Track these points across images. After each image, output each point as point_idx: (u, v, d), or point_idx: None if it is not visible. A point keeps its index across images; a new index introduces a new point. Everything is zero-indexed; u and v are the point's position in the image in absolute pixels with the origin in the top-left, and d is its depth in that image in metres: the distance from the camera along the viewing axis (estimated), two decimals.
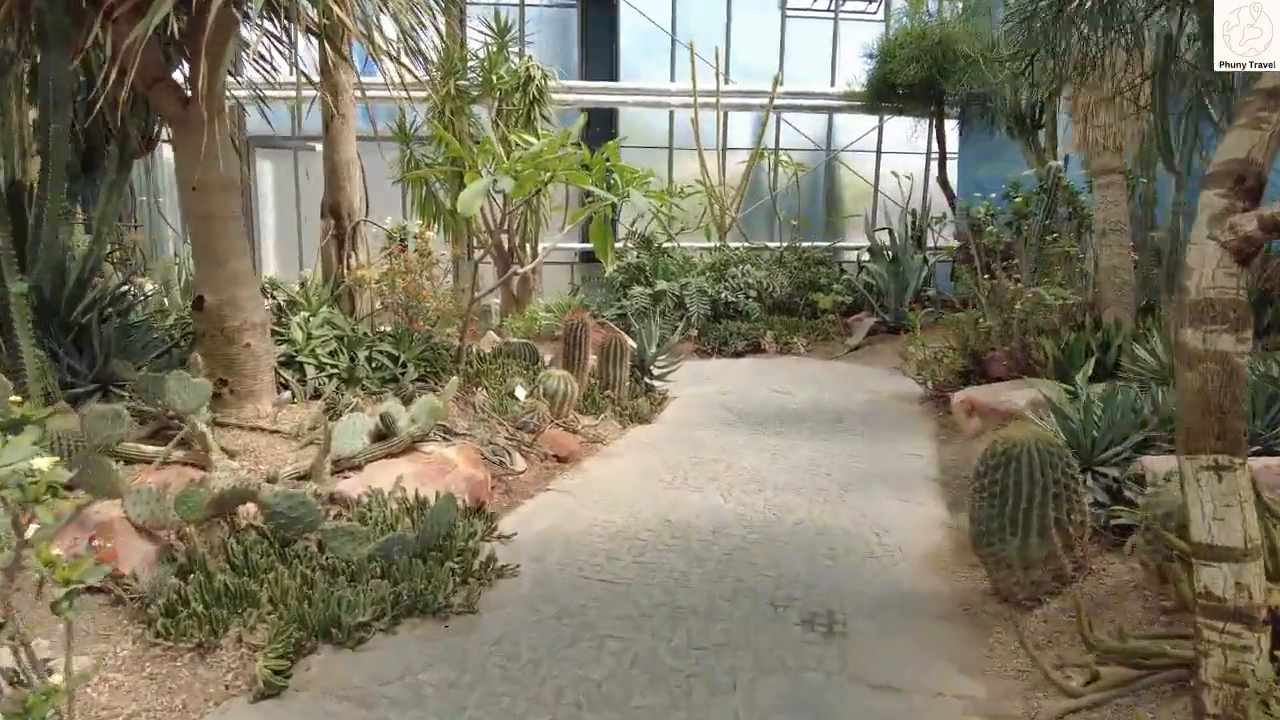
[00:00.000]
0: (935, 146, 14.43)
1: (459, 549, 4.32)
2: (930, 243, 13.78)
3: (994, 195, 8.26)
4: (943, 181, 14.33)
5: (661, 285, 11.64)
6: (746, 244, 13.73)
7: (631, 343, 8.38)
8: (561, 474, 6.24)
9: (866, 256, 13.13)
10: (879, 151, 15.78)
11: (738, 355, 11.83)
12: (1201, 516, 2.49)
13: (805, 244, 13.76)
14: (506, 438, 6.24)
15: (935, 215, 13.65)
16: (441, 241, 10.74)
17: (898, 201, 14.58)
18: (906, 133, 15.14)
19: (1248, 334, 2.39)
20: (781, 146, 15.31)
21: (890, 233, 12.47)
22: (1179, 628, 3.16)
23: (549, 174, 6.74)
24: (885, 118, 15.33)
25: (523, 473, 5.96)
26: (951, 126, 14.52)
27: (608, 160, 7.04)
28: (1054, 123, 10.43)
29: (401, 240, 8.55)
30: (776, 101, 14.22)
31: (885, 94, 13.69)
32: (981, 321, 8.04)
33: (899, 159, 15.43)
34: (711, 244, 13.63)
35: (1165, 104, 6.40)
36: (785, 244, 13.64)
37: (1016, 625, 3.68)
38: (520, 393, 6.90)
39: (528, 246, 11.48)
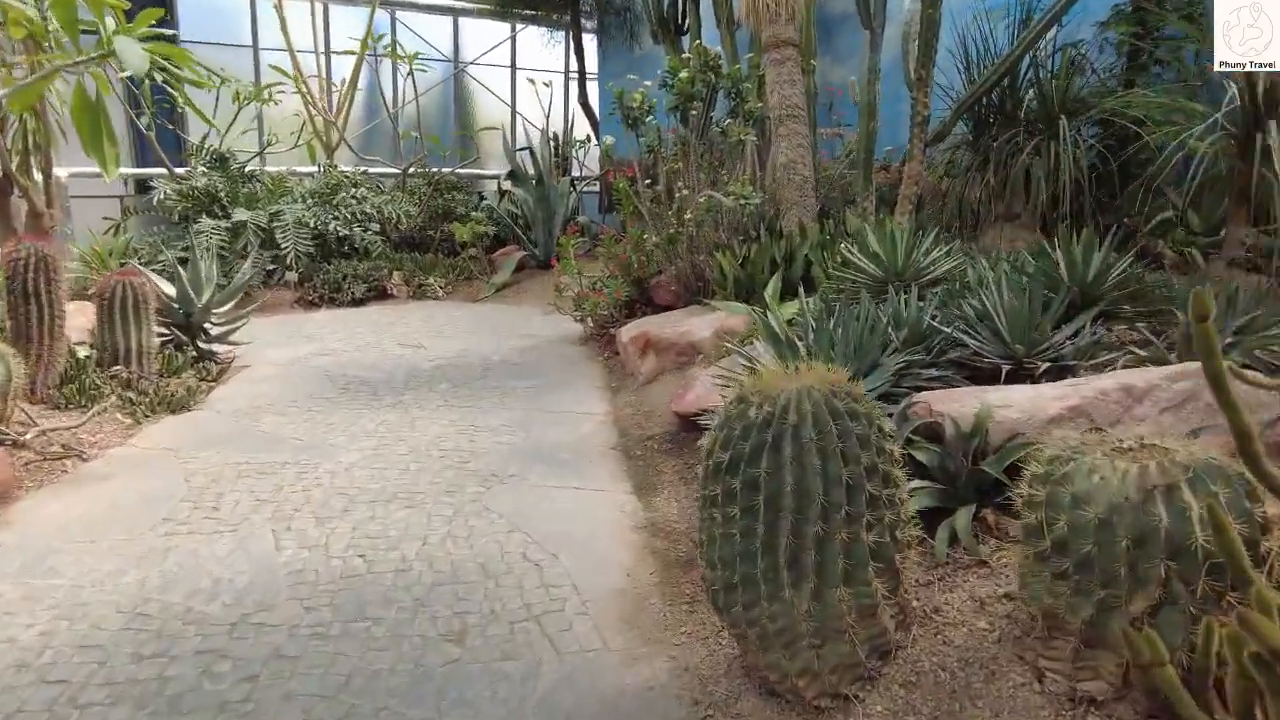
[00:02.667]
0: (575, 64, 12.87)
1: None
2: (575, 171, 12.28)
3: (649, 84, 6.74)
4: (583, 102, 12.85)
5: (242, 215, 8.71)
6: (364, 169, 11.12)
7: (167, 288, 5.63)
8: None
9: (508, 183, 11.23)
10: (514, 66, 13.87)
11: (357, 303, 9.37)
12: None
13: (437, 170, 11.49)
14: None
15: (579, 139, 12.14)
16: None
17: (538, 125, 12.86)
18: (543, 43, 13.42)
19: None
20: (406, 57, 12.75)
21: (532, 153, 10.66)
22: None
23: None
24: (518, 26, 13.45)
25: None
26: (592, 42, 13.07)
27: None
28: (698, 20, 9.22)
29: None
30: None
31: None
32: (644, 239, 6.50)
33: (537, 77, 13.68)
34: (315, 168, 10.82)
35: None
36: (412, 165, 11.24)
37: None
38: None
39: (38, 167, 7.85)
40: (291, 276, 9.26)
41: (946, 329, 3.74)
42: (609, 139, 7.45)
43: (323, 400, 5.64)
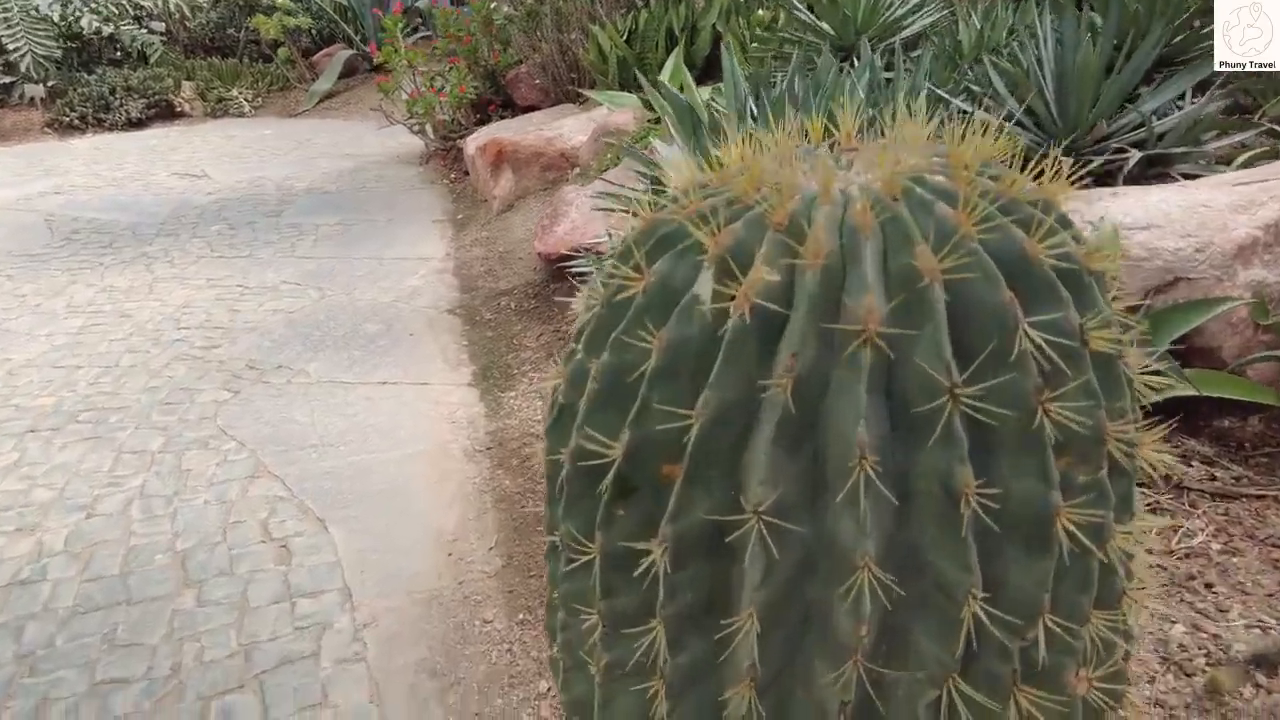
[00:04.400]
0: None
1: None
2: None
3: None
4: None
5: None
6: None
7: None
8: None
9: None
10: None
11: (134, 125, 7.20)
12: None
13: None
14: None
15: None
16: None
17: None
18: None
19: None
20: None
21: None
22: None
23: None
24: None
25: None
26: None
27: None
28: None
29: None
30: None
31: None
32: (495, 11, 4.69)
33: None
34: None
35: None
36: None
37: None
38: None
39: None
40: (36, 91, 6.94)
41: (956, 99, 2.30)
42: None
43: (25, 259, 3.84)
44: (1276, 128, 2.10)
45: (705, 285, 0.59)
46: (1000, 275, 0.56)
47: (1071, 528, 0.57)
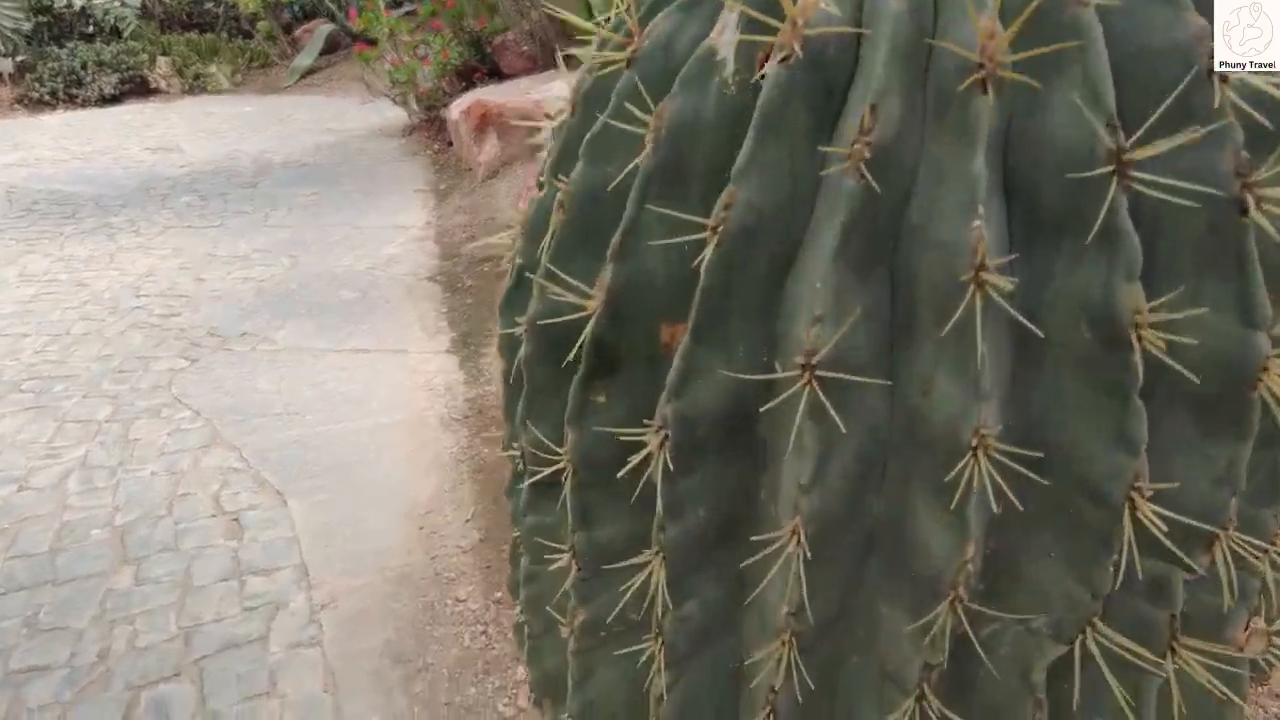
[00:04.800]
0: None
1: None
2: None
3: None
4: None
5: None
6: None
7: None
8: None
9: None
10: None
11: (108, 101, 6.94)
12: None
13: None
14: None
15: None
16: None
17: None
18: None
19: None
20: None
21: None
22: None
23: None
24: None
25: None
26: None
27: None
28: None
29: None
30: None
31: None
32: None
33: None
34: None
35: None
36: None
37: None
38: None
39: None
40: (4, 66, 6.69)
41: None
42: None
43: None
44: None
45: (728, 34, 0.39)
46: None
47: (1277, 392, 0.37)
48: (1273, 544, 0.44)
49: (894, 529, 0.42)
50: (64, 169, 4.70)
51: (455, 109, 4.22)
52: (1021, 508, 0.39)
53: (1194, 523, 0.38)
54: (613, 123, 0.40)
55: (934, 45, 0.35)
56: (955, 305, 0.35)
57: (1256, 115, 0.36)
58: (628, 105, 0.40)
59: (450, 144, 4.62)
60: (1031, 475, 0.37)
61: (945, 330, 0.36)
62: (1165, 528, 0.37)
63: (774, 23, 0.36)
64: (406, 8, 7.56)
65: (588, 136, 0.42)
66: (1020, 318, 0.35)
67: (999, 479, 0.36)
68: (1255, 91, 0.36)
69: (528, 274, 0.50)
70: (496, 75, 5.12)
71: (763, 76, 0.36)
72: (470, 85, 5.06)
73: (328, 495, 1.80)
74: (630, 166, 0.40)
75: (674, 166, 0.39)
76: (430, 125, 5.12)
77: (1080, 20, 0.35)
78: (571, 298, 0.42)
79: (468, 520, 1.72)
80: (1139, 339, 0.35)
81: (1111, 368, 0.36)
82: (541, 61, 4.93)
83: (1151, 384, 0.38)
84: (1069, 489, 0.39)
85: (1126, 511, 0.37)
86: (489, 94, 4.21)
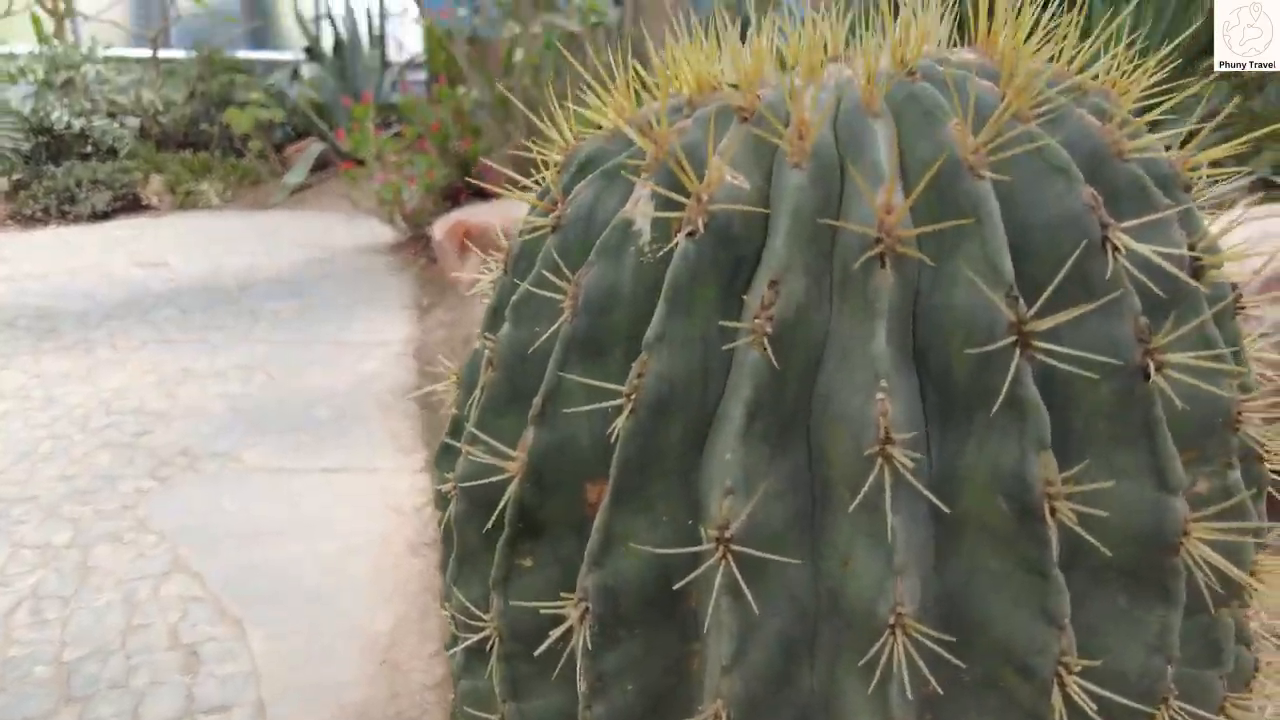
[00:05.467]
0: None
1: None
2: (394, 54, 10.08)
3: None
4: None
5: None
6: (112, 49, 8.55)
7: None
8: None
9: (306, 64, 8.96)
10: None
11: (99, 218, 7.08)
12: None
13: (224, 52, 9.01)
14: None
15: (398, 13, 9.92)
16: None
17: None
18: None
19: None
20: None
21: (331, 21, 8.44)
22: None
23: None
24: None
25: None
26: None
27: None
28: None
29: None
30: None
31: None
32: (465, 98, 4.67)
33: None
34: (48, 49, 8.21)
35: None
36: (157, 35, 8.76)
37: None
38: None
39: None
40: None
41: None
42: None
43: None
44: (1272, 178, 1.99)
45: (642, 205, 0.40)
46: (1075, 165, 0.38)
47: (1205, 554, 0.37)
48: (1222, 710, 0.42)
49: (825, 709, 0.40)
50: (49, 284, 4.74)
51: (439, 227, 4.33)
52: (950, 685, 0.38)
53: (1130, 702, 0.37)
54: (535, 290, 0.41)
55: (834, 220, 0.37)
56: (864, 479, 0.35)
57: (1149, 283, 0.37)
58: (545, 274, 0.41)
59: (435, 260, 4.72)
60: (953, 655, 0.36)
61: (855, 504, 0.35)
62: (1094, 705, 0.35)
63: (681, 199, 0.37)
64: (395, 129, 7.88)
65: (513, 300, 0.43)
66: (927, 493, 0.35)
67: (918, 658, 0.35)
68: (1144, 260, 0.37)
69: (463, 424, 0.50)
70: (480, 195, 5.28)
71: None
72: (455, 204, 5.21)
73: (290, 625, 1.74)
74: (552, 329, 0.40)
75: (592, 334, 0.40)
76: (415, 242, 5.23)
77: (976, 193, 0.36)
78: (494, 460, 0.42)
79: (433, 654, 1.66)
80: (1052, 511, 0.35)
81: (1028, 541, 0.36)
82: (525, 181, 5.12)
83: (1076, 554, 0.38)
84: (997, 663, 0.38)
85: (1056, 688, 0.36)
86: (472, 213, 4.33)
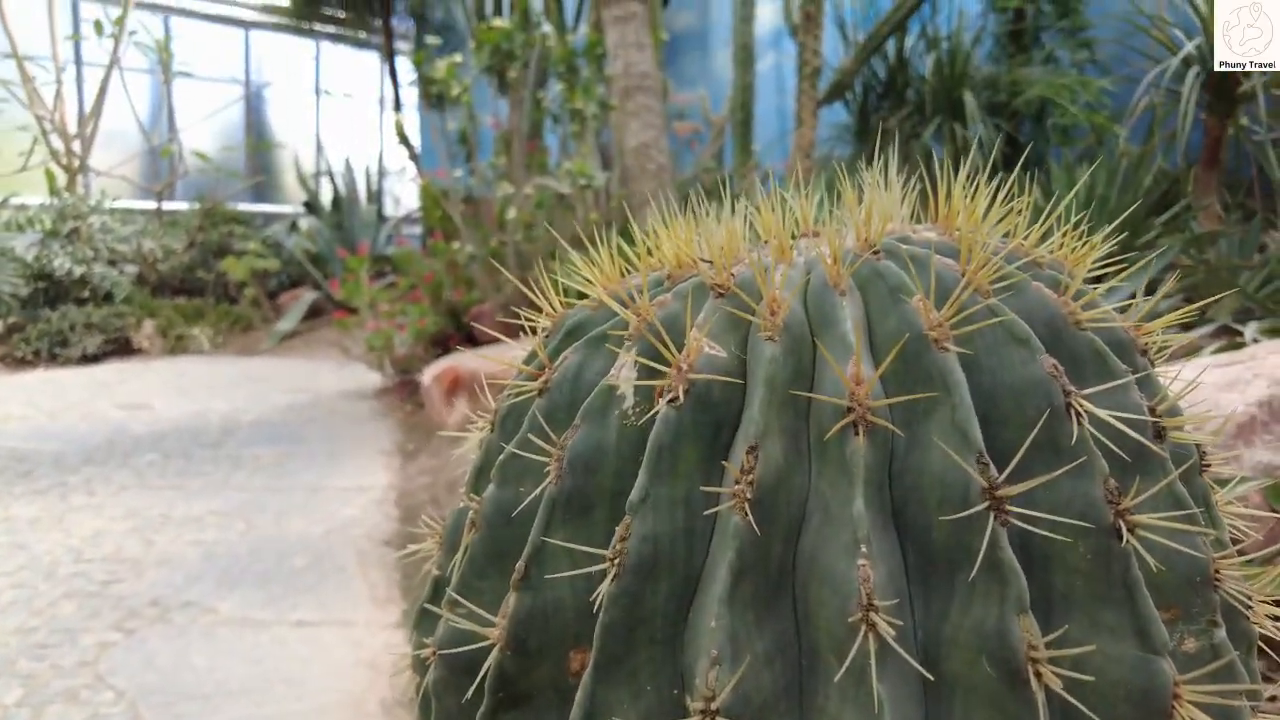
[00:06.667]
0: (390, 87, 11.24)
1: None
2: (391, 209, 10.58)
3: (460, 58, 5.18)
4: (400, 133, 11.21)
5: None
6: (120, 201, 8.89)
7: None
8: None
9: (303, 211, 9.34)
10: (318, 90, 12.10)
11: (89, 361, 7.15)
12: None
13: (226, 205, 9.38)
14: None
15: (395, 170, 10.50)
16: None
17: (348, 157, 11.19)
18: (352, 67, 11.83)
19: None
20: (181, 70, 10.65)
21: (331, 176, 8.86)
22: None
23: None
24: (322, 42, 11.79)
25: None
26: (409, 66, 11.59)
27: None
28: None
29: None
30: None
31: (316, 7, 10.22)
32: (459, 252, 4.84)
33: (347, 102, 12.07)
34: (59, 200, 8.52)
35: None
36: (163, 189, 9.12)
37: None
38: None
39: None
40: None
41: None
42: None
43: None
44: (1232, 325, 2.08)
45: (626, 372, 0.42)
46: (1035, 337, 0.40)
47: (1197, 717, 0.36)
48: None
49: None
50: (29, 426, 4.71)
51: (428, 374, 4.37)
52: None
53: None
54: (519, 452, 0.42)
55: (806, 392, 0.39)
56: (849, 646, 0.35)
57: (1114, 447, 0.38)
58: (531, 436, 0.42)
59: (422, 405, 4.74)
60: None
61: (841, 672, 0.35)
62: None
63: (661, 368, 0.39)
64: (388, 279, 8.11)
65: (499, 460, 0.44)
66: (912, 660, 0.35)
67: None
68: (1108, 424, 0.38)
69: (445, 586, 0.50)
70: (471, 342, 5.38)
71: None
72: (445, 351, 5.30)
73: None
74: (537, 491, 0.41)
75: (576, 496, 0.41)
76: (403, 388, 5.27)
77: (942, 364, 0.38)
78: (474, 626, 0.42)
79: None
80: (1037, 675, 0.35)
81: (1017, 705, 0.36)
82: (517, 332, 5.23)
83: (1069, 717, 0.37)
84: None
85: None
86: (462, 360, 4.38)
